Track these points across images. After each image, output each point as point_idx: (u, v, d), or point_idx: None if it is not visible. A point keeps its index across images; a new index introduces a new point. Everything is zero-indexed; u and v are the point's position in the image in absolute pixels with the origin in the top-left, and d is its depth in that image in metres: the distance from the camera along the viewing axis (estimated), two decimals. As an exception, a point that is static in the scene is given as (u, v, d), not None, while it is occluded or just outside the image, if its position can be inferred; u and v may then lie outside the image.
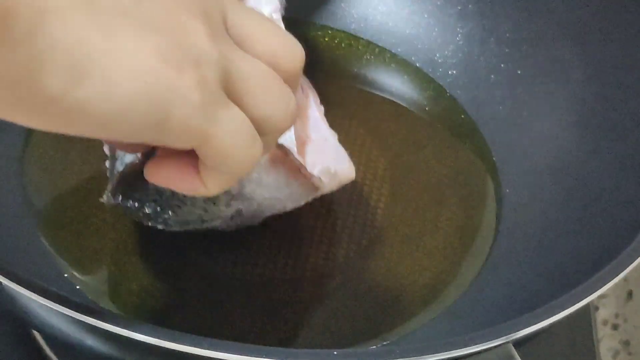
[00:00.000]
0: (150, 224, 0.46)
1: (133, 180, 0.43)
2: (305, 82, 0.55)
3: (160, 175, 0.35)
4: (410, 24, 0.64)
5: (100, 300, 0.47)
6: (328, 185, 0.47)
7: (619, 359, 0.73)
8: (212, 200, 0.44)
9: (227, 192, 0.44)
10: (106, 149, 0.46)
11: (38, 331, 0.50)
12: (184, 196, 0.44)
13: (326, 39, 0.64)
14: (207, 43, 0.31)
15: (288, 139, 0.46)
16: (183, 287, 0.48)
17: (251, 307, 0.48)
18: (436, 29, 0.63)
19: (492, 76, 0.61)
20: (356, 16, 0.65)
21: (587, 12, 0.57)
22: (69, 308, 0.35)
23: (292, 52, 0.35)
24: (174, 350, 0.34)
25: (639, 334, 0.73)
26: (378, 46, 0.63)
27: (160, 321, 0.47)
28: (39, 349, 0.50)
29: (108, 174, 0.45)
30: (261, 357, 0.34)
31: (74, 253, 0.49)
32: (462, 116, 0.60)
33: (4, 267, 0.36)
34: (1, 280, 0.36)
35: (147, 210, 0.45)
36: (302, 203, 0.47)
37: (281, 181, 0.45)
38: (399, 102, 0.61)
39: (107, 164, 0.46)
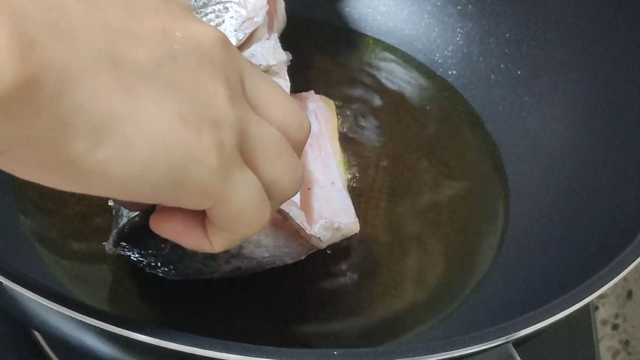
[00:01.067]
0: (150, 271, 0.46)
1: (133, 236, 0.44)
2: (320, 110, 0.55)
3: (165, 228, 0.35)
4: (410, 24, 0.64)
5: (100, 301, 0.47)
6: (330, 239, 0.47)
7: (618, 359, 0.73)
8: (211, 257, 0.45)
9: (226, 251, 0.44)
10: (111, 202, 0.47)
11: (38, 331, 0.50)
12: (183, 252, 0.44)
13: (327, 37, 0.64)
14: (227, 105, 0.31)
15: None
16: (183, 287, 0.48)
17: (251, 307, 0.48)
18: (436, 29, 0.63)
19: (492, 76, 0.61)
20: (356, 16, 0.65)
21: (587, 12, 0.57)
22: (69, 308, 0.35)
23: (301, 122, 0.36)
24: (174, 350, 0.34)
25: (638, 334, 0.73)
26: (379, 44, 0.63)
27: (160, 321, 0.47)
28: (39, 349, 0.50)
29: (113, 221, 0.46)
30: (261, 357, 0.34)
31: (74, 253, 0.49)
32: (463, 115, 0.60)
33: (4, 267, 0.36)
34: (1, 280, 0.36)
35: (147, 263, 0.46)
36: (302, 257, 0.47)
37: (280, 242, 0.45)
38: (399, 100, 0.61)
39: (113, 210, 0.46)
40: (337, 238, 0.48)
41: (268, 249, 0.45)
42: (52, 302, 0.35)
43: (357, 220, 0.49)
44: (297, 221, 0.44)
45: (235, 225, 0.33)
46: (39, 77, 0.26)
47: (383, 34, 0.64)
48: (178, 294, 0.48)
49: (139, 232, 0.42)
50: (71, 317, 0.35)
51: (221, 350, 0.34)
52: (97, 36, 0.28)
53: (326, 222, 0.46)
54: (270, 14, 0.49)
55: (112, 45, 0.28)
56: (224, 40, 0.32)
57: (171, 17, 0.31)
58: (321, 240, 0.46)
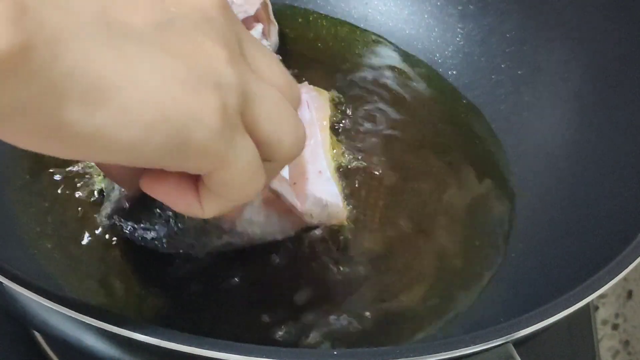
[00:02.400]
0: (143, 245, 0.46)
1: (128, 209, 0.44)
2: (312, 99, 0.55)
3: (158, 189, 0.34)
4: (410, 24, 0.64)
5: (100, 301, 0.47)
6: (318, 216, 0.47)
7: (618, 359, 0.73)
8: (204, 233, 0.45)
9: (218, 227, 0.44)
10: (102, 184, 0.47)
11: (38, 331, 0.50)
12: (177, 227, 0.44)
13: (327, 36, 0.64)
14: (227, 67, 0.31)
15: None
16: (183, 287, 0.48)
17: (251, 307, 0.48)
18: (436, 29, 0.63)
19: (493, 76, 0.61)
20: (356, 16, 0.65)
21: (587, 12, 0.57)
22: (69, 308, 0.35)
23: (294, 90, 0.36)
24: (174, 350, 0.34)
25: (638, 334, 0.73)
26: (379, 43, 0.63)
27: (160, 321, 0.47)
28: (39, 349, 0.50)
29: (104, 194, 0.46)
30: (261, 357, 0.34)
31: (73, 254, 0.49)
32: (464, 115, 0.60)
33: (4, 267, 0.36)
34: (1, 280, 0.36)
35: (140, 236, 0.46)
36: (292, 234, 0.48)
37: (273, 219, 0.45)
38: (398, 100, 0.61)
39: (103, 184, 0.46)
40: (324, 217, 0.48)
41: (260, 225, 0.45)
42: (52, 302, 0.35)
43: (344, 208, 0.49)
44: (289, 198, 0.44)
45: (230, 191, 0.33)
46: (32, 42, 0.26)
47: (383, 34, 0.64)
48: (178, 294, 0.48)
49: (134, 205, 0.42)
50: (71, 317, 0.35)
51: (221, 350, 0.34)
52: (90, 0, 0.28)
53: (315, 199, 0.47)
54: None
55: (106, 9, 0.28)
56: (223, 3, 0.32)
57: None
58: (312, 217, 0.46)
